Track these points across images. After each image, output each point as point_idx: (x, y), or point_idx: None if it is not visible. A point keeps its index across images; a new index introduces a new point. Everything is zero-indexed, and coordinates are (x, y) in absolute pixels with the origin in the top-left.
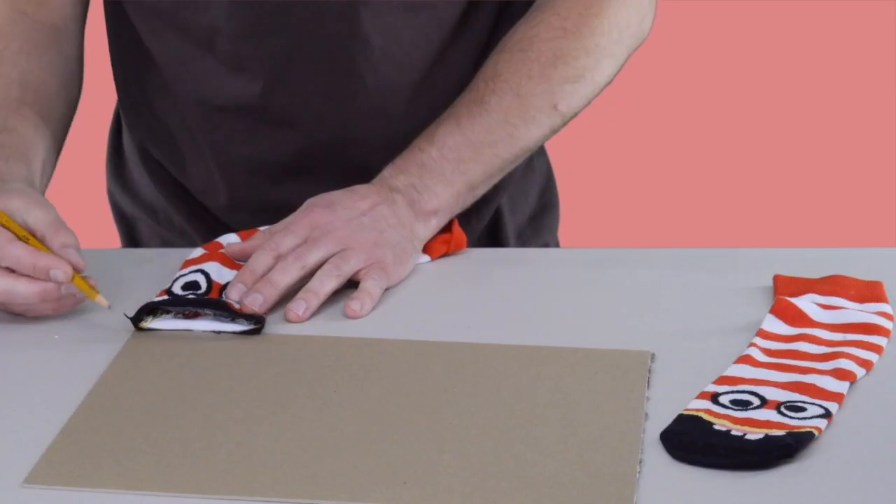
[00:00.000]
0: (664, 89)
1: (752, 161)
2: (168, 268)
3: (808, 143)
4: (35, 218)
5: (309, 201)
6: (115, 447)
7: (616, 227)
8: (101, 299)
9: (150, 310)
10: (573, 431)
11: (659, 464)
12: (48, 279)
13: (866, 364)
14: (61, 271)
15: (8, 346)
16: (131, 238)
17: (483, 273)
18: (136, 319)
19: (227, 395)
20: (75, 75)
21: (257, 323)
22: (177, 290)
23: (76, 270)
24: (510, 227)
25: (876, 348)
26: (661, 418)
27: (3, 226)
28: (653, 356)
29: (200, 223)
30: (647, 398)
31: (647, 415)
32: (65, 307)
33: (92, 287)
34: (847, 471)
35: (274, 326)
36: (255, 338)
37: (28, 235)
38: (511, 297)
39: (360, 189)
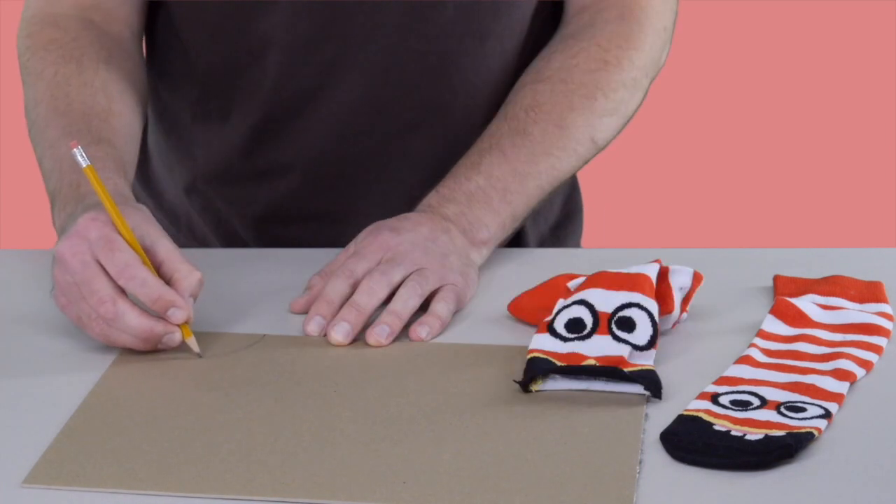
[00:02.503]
0: (664, 89)
1: (753, 161)
2: None
3: (808, 144)
4: (165, 249)
5: (371, 227)
6: (115, 447)
7: (617, 227)
8: (193, 343)
9: (541, 373)
10: (573, 431)
11: (659, 464)
12: (164, 314)
13: (866, 364)
14: (183, 312)
15: (8, 346)
16: None
17: (484, 273)
18: (525, 383)
19: (227, 396)
20: (146, 86)
21: (652, 384)
22: (559, 327)
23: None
24: (532, 235)
25: (876, 349)
26: (661, 418)
27: (129, 243)
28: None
29: (226, 233)
30: (648, 398)
31: (647, 415)
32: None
33: (188, 328)
34: (847, 471)
35: (274, 326)
36: (255, 338)
37: (147, 259)
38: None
39: (414, 216)
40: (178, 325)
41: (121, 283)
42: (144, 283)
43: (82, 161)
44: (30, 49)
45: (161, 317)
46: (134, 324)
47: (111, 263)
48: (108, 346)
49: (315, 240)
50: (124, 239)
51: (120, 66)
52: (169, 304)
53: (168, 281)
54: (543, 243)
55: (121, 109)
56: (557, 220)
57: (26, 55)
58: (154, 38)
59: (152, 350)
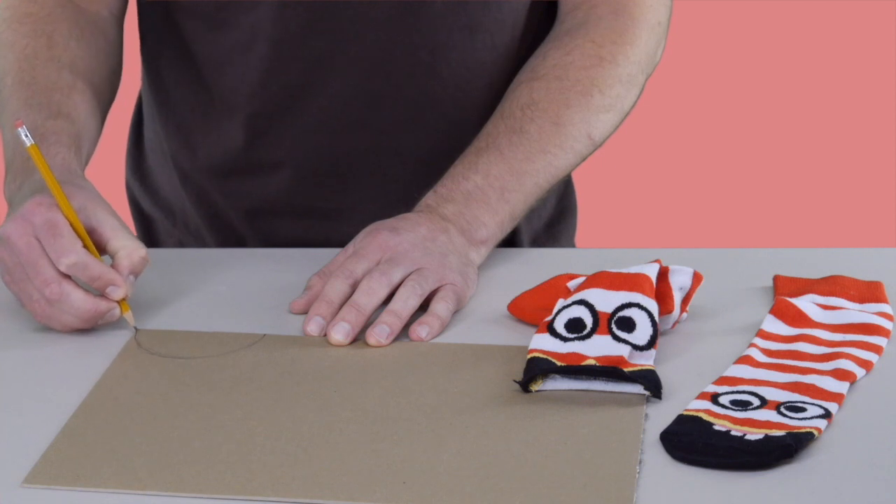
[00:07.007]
0: (662, 86)
1: (753, 162)
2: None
3: (808, 144)
4: (111, 227)
5: (370, 227)
6: (115, 447)
7: (613, 226)
8: (130, 317)
9: (541, 373)
10: (573, 431)
11: (659, 464)
12: (103, 292)
13: (866, 364)
14: (122, 290)
15: (8, 346)
16: (148, 235)
17: (483, 273)
18: (525, 383)
19: (227, 395)
20: (118, 66)
21: (652, 384)
22: (559, 327)
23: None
24: (526, 233)
25: (876, 349)
26: (661, 418)
27: (72, 225)
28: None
29: (221, 226)
30: (648, 398)
31: (647, 415)
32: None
33: (125, 303)
34: (847, 471)
35: (274, 327)
36: (255, 338)
37: (88, 240)
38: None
39: (412, 216)
40: (117, 302)
41: (61, 267)
42: (86, 266)
43: (27, 140)
44: (5, 21)
45: (102, 294)
46: (79, 304)
47: (52, 249)
48: (108, 347)
49: (309, 235)
50: (68, 220)
51: (91, 44)
52: (108, 283)
53: (113, 258)
54: (537, 240)
55: (84, 86)
56: (551, 218)
57: (2, 27)
58: (157, 27)
59: (90, 328)
